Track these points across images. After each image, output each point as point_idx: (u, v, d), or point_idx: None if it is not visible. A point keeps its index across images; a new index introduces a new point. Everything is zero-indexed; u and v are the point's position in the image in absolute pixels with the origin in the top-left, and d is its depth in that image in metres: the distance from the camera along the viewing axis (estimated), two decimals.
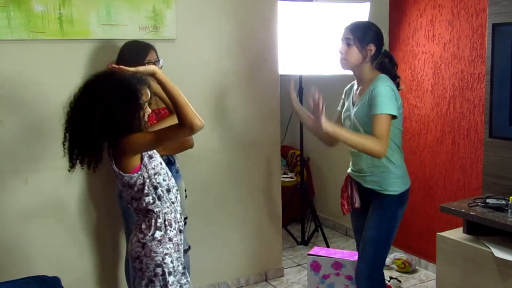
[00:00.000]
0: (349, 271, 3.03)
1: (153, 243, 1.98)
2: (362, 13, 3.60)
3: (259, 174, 3.47)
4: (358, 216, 2.60)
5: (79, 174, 2.86)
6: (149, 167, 1.98)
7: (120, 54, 2.64)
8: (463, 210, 2.70)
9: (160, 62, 2.65)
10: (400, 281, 3.45)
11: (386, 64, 2.43)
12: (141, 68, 1.97)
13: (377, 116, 2.28)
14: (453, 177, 3.39)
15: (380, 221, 2.44)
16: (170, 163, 2.68)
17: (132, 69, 1.95)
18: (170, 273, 2.00)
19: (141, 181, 1.96)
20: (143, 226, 2.01)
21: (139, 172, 1.95)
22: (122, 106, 1.87)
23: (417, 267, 3.66)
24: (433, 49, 3.45)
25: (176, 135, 1.96)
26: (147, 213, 2.01)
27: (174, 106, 1.91)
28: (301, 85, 3.90)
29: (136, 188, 1.97)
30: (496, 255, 2.47)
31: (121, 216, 2.75)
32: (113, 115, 1.86)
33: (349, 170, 2.58)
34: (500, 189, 2.89)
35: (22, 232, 2.76)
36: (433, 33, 3.44)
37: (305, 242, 4.22)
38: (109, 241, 2.99)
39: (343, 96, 2.62)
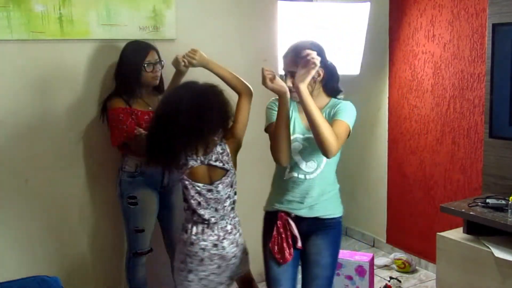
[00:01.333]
0: (349, 271, 3.04)
1: (241, 238, 2.29)
2: (362, 13, 3.60)
3: (258, 175, 3.45)
4: (288, 265, 2.22)
5: (79, 174, 2.86)
6: None
7: (121, 55, 2.66)
8: (463, 210, 2.70)
9: (162, 62, 2.66)
10: (400, 281, 3.46)
11: (331, 84, 2.21)
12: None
13: (341, 121, 2.10)
14: (453, 177, 3.39)
15: (334, 258, 2.26)
16: None
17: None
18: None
19: (236, 179, 2.25)
20: (229, 228, 2.24)
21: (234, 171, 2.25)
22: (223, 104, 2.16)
23: (417, 267, 3.66)
24: (433, 49, 3.45)
25: (246, 105, 2.27)
26: (231, 212, 2.26)
27: (228, 83, 2.28)
28: None
29: (234, 187, 2.27)
30: (496, 255, 2.48)
31: (121, 216, 2.75)
32: (224, 110, 2.16)
33: (279, 206, 2.26)
34: (500, 189, 2.89)
35: (21, 232, 2.76)
36: (433, 33, 3.44)
37: None
38: (109, 241, 2.99)
39: (276, 109, 2.22)
